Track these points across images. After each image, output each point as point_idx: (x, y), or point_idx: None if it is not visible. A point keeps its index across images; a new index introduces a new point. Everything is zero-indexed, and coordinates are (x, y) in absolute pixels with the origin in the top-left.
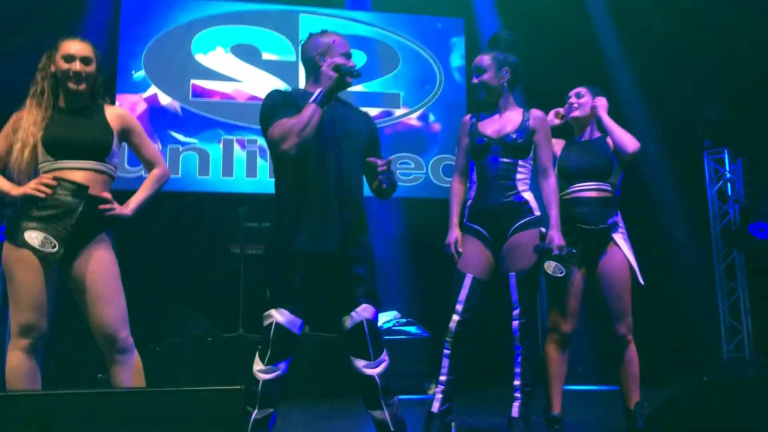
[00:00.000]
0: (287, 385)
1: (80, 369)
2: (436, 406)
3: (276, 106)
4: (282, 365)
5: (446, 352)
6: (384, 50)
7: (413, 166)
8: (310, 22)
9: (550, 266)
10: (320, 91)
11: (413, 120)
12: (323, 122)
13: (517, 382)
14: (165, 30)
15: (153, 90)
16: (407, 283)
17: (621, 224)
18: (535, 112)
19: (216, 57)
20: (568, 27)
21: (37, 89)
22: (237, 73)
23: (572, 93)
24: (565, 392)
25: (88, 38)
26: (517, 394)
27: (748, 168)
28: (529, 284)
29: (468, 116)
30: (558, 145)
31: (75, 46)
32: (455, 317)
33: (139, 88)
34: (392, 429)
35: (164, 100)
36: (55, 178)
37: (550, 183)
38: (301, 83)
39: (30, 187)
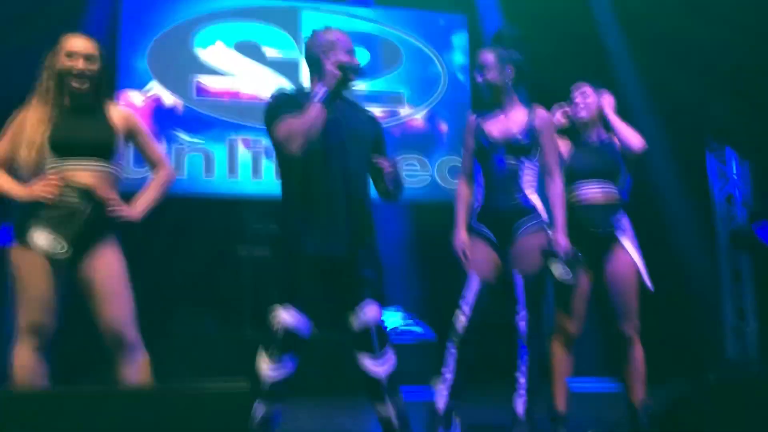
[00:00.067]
0: (293, 384)
1: (87, 367)
2: (440, 404)
3: (280, 106)
4: (288, 364)
5: (452, 351)
6: (387, 47)
7: (419, 167)
8: (312, 18)
9: (557, 270)
10: (324, 90)
11: (418, 120)
12: (329, 123)
13: (521, 381)
14: (167, 27)
15: (156, 88)
16: (413, 284)
17: (628, 227)
18: (540, 113)
19: (218, 54)
20: (571, 24)
21: (42, 87)
22: (239, 69)
23: (577, 93)
24: (569, 391)
25: (89, 34)
26: (522, 392)
27: (755, 169)
28: (535, 286)
29: (473, 116)
30: (564, 145)
31: (79, 44)
32: (462, 318)
33: (141, 84)
34: (397, 426)
35: (168, 99)
36: (61, 180)
37: (556, 184)
38: (304, 79)
39: (37, 190)
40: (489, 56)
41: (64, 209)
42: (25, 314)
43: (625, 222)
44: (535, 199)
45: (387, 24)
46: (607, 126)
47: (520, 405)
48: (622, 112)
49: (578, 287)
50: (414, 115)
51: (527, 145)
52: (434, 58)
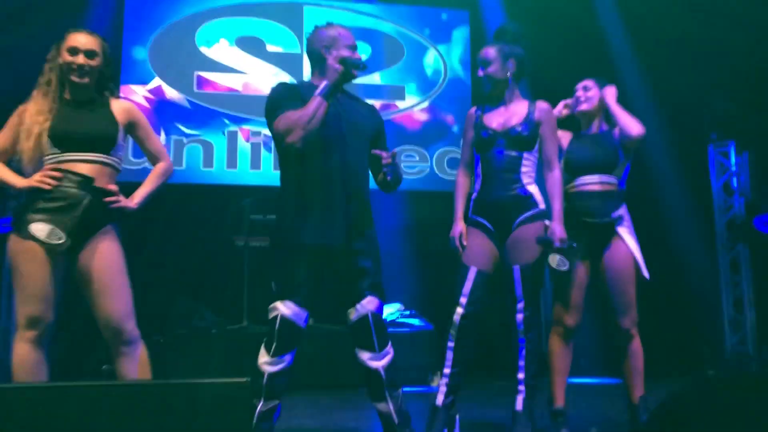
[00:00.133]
0: (292, 377)
1: (85, 360)
2: (440, 399)
3: (281, 99)
4: (287, 357)
5: (450, 344)
6: (388, 42)
7: (418, 158)
8: (314, 13)
9: (554, 259)
10: (326, 84)
11: (418, 112)
12: (329, 115)
13: (520, 375)
14: (169, 22)
15: (157, 82)
16: (411, 275)
17: (627, 217)
18: (541, 104)
19: (220, 49)
20: (573, 19)
21: (44, 80)
22: (241, 65)
23: (579, 86)
24: (568, 385)
25: (92, 29)
26: (521, 387)
27: (754, 161)
28: (533, 277)
29: (473, 109)
30: (565, 137)
31: (81, 39)
32: (459, 310)
33: (143, 79)
34: (396, 421)
35: (169, 92)
36: (60, 170)
37: (554, 175)
38: (306, 75)
39: (35, 179)
40: (491, 51)
41: (62, 199)
42: (23, 306)
43: (623, 212)
44: (533, 189)
45: (389, 19)
46: (608, 119)
47: (519, 400)
48: (624, 103)
49: (576, 278)
50: (414, 108)
51: (527, 136)
52: (436, 53)
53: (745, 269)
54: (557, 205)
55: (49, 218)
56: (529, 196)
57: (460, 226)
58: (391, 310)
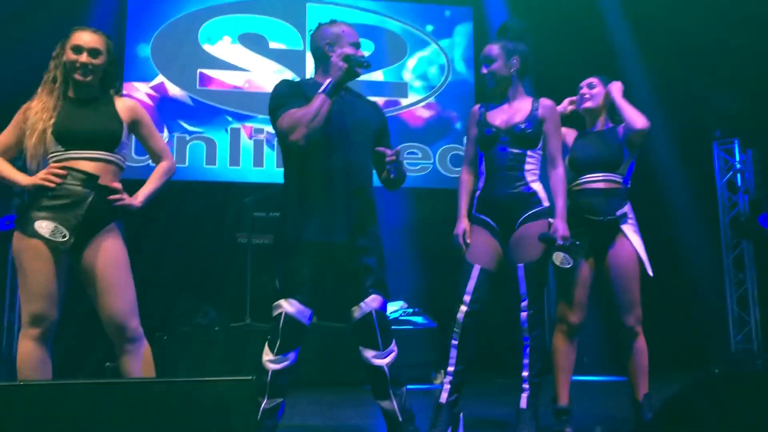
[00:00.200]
0: (296, 375)
1: (89, 358)
2: (444, 397)
3: (285, 96)
4: (291, 355)
5: (454, 342)
6: (392, 39)
7: (420, 155)
8: (317, 11)
9: (558, 257)
10: (329, 82)
11: (421, 109)
12: (332, 113)
13: (525, 374)
14: (172, 18)
15: (160, 79)
16: (414, 273)
17: (631, 215)
18: (545, 101)
19: (223, 46)
20: (577, 16)
21: (49, 77)
22: (244, 62)
23: (584, 83)
24: (572, 383)
25: (95, 26)
26: (525, 386)
27: (759, 158)
28: (537, 275)
29: (477, 106)
30: (570, 135)
31: (85, 38)
32: (463, 308)
33: (146, 76)
34: (400, 419)
35: (172, 89)
36: (65, 168)
37: (558, 173)
38: (309, 72)
39: (40, 177)
40: (494, 48)
41: (67, 197)
42: (27, 304)
43: (628, 210)
44: (537, 187)
45: (392, 16)
46: (613, 116)
47: (523, 398)
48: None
49: (580, 276)
50: (417, 105)
51: (530, 133)
52: (439, 50)
53: (749, 267)
54: (560, 203)
55: (53, 216)
56: (533, 194)
57: (463, 223)
58: (394, 308)
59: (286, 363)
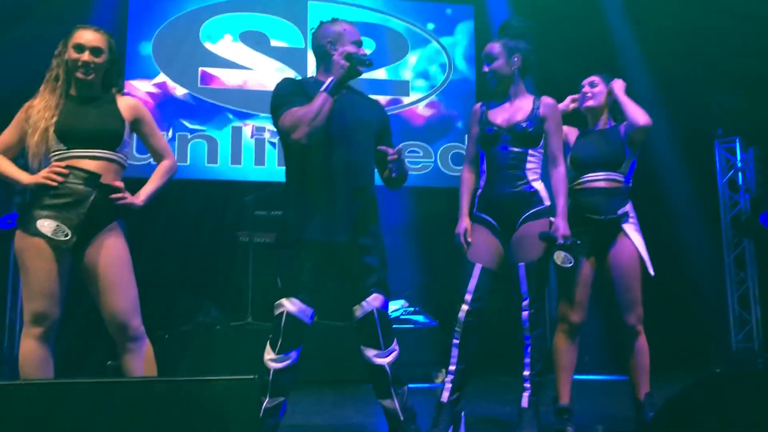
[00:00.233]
0: (297, 374)
1: (90, 356)
2: (445, 396)
3: (287, 95)
4: (293, 354)
5: (455, 341)
6: (393, 37)
7: (422, 154)
8: (319, 9)
9: (559, 256)
10: (331, 80)
11: (423, 108)
12: (334, 111)
13: (526, 373)
14: (173, 17)
15: (162, 77)
16: (415, 272)
17: (632, 214)
18: (546, 100)
19: (224, 44)
20: (578, 14)
21: (51, 75)
22: (246, 60)
23: (586, 82)
24: (574, 382)
25: (96, 24)
26: (527, 385)
27: (760, 157)
28: (538, 275)
29: (478, 104)
30: (572, 134)
31: (87, 36)
32: (464, 307)
33: (147, 74)
34: (402, 418)
35: (173, 87)
36: (67, 167)
37: (559, 171)
38: (310, 71)
39: (42, 176)
40: (496, 46)
41: (69, 196)
42: (29, 303)
43: (629, 209)
44: (539, 186)
45: (394, 14)
46: (615, 115)
47: (524, 397)
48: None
49: (581, 275)
50: (419, 104)
51: (532, 132)
52: (440, 48)
53: (750, 266)
54: (562, 202)
55: (56, 215)
56: (534, 193)
57: (465, 222)
58: (395, 307)
59: (287, 362)
